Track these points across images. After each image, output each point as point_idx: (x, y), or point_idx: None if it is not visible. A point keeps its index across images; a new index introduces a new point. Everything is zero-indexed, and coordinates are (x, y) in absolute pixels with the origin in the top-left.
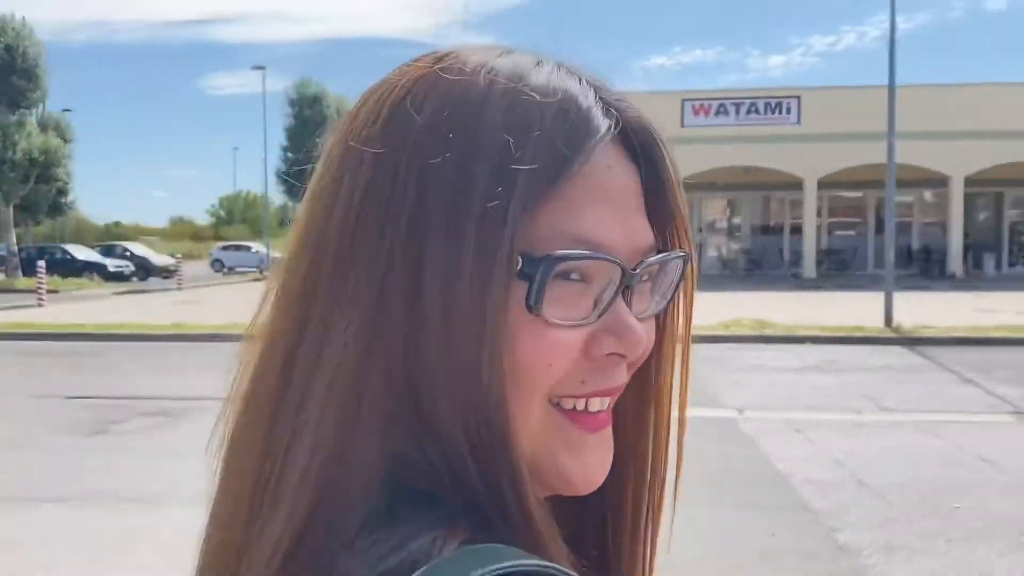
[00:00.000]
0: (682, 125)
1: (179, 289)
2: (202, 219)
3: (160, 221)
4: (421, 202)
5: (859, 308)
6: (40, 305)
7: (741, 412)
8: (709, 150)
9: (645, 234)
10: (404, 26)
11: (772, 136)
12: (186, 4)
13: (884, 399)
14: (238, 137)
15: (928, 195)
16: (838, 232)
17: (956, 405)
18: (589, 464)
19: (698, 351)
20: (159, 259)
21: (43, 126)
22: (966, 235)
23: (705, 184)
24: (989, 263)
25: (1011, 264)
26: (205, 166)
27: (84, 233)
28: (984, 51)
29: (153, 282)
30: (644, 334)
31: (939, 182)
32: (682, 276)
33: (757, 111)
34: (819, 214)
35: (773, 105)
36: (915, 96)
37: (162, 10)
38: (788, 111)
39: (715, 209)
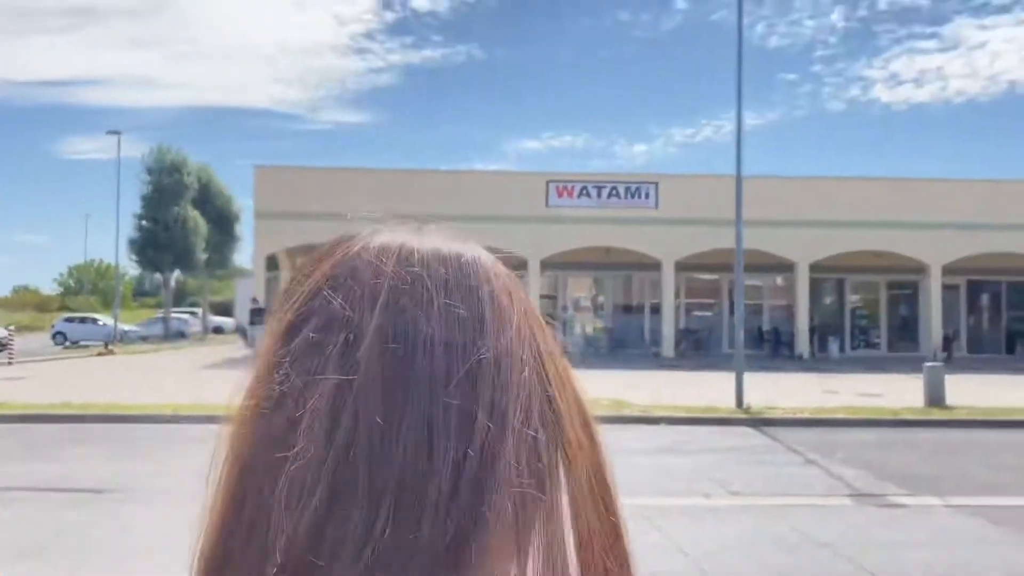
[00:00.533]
0: (547, 205)
1: (9, 364)
2: (50, 288)
3: (3, 290)
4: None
5: (713, 388)
6: None
7: None
8: (573, 230)
9: None
10: (275, 97)
11: (632, 219)
12: (44, 65)
13: (732, 482)
14: (92, 204)
15: (778, 279)
16: (695, 313)
17: (799, 487)
18: None
19: None
20: None
21: None
22: (812, 318)
23: (571, 263)
24: (834, 345)
25: (853, 347)
26: (56, 233)
27: None
28: (826, 146)
29: None
30: None
31: (787, 267)
32: None
33: (618, 195)
34: (677, 295)
35: (633, 189)
36: (764, 186)
37: (17, 70)
38: (647, 196)
39: (580, 287)
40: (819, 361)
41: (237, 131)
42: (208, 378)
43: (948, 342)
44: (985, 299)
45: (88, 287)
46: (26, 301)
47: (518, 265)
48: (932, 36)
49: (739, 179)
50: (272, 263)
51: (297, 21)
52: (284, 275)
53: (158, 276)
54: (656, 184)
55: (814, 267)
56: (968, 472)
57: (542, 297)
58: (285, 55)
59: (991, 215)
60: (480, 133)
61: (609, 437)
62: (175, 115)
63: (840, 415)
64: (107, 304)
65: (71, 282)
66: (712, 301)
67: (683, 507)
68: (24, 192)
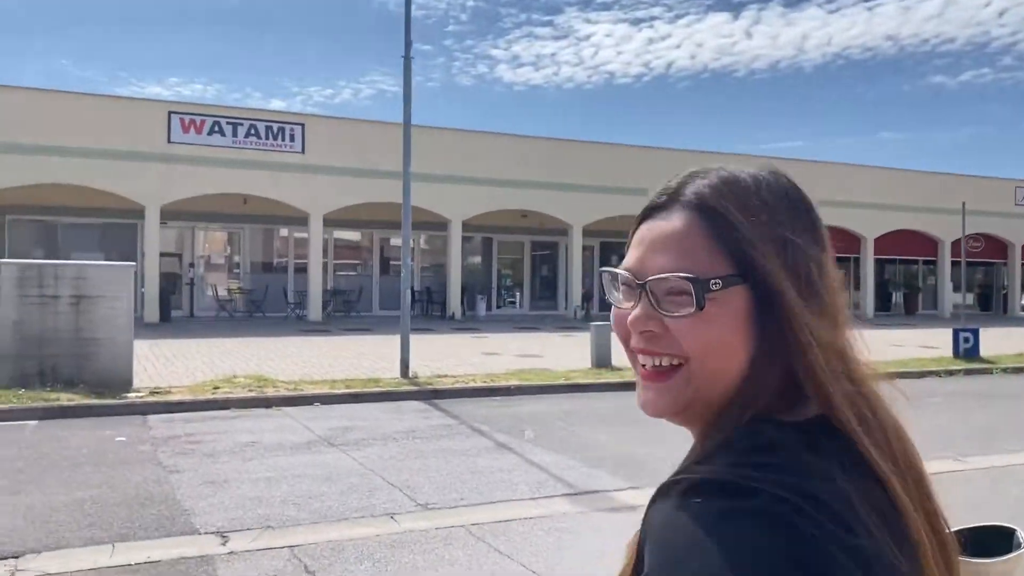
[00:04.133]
0: (169, 141)
1: None
2: None
3: None
4: None
5: (370, 354)
6: None
7: (224, 540)
8: (202, 173)
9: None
10: None
11: (274, 163)
12: None
13: (419, 488)
14: None
15: (423, 238)
16: (343, 272)
17: (503, 488)
18: (640, 398)
19: (173, 429)
20: None
21: None
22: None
23: (200, 213)
24: (481, 304)
25: (499, 306)
26: None
27: None
28: (458, 117)
29: None
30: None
31: (440, 225)
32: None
33: (257, 134)
34: (325, 253)
35: (275, 130)
36: (420, 138)
37: None
38: (292, 138)
39: (214, 242)
40: (468, 320)
41: None
42: None
43: (585, 300)
44: (615, 260)
45: None
46: None
47: (134, 213)
48: (547, 24)
49: (407, 126)
50: None
51: None
52: None
53: None
54: (303, 125)
55: (465, 226)
56: (671, 453)
57: (163, 255)
58: None
59: (618, 179)
60: (91, 71)
61: (248, 427)
62: None
63: (513, 382)
64: None
65: None
66: (360, 261)
67: (360, 541)
68: None
